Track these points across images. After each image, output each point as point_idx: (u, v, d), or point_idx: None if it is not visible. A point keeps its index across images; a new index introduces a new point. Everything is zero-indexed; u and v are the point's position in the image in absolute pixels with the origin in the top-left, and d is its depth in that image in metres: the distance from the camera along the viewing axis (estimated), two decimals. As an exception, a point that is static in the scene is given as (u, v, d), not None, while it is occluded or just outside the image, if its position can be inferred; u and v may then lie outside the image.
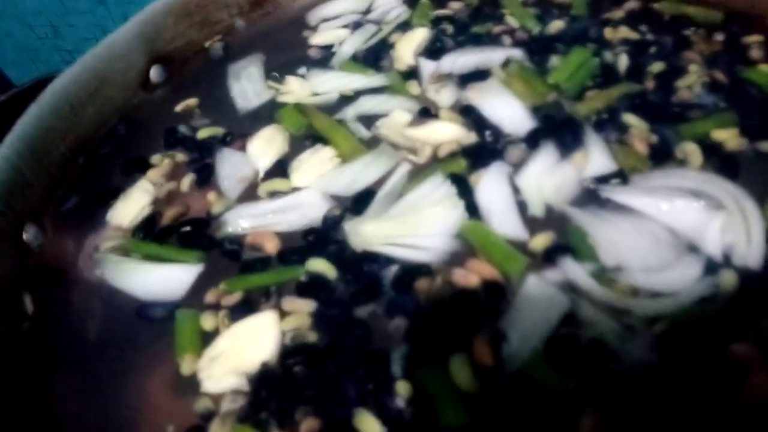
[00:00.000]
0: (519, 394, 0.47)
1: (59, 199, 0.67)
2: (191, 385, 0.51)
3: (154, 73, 0.79)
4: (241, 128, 0.72)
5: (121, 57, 0.74)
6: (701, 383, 0.46)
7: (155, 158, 0.69)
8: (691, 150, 0.60)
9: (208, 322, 0.54)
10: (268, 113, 0.73)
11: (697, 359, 0.47)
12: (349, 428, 0.46)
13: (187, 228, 0.62)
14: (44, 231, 0.64)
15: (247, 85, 0.77)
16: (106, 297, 0.59)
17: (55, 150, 0.67)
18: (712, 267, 0.52)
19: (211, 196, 0.65)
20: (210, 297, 0.56)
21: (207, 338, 0.53)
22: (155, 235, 0.62)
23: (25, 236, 0.61)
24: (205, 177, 0.66)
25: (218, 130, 0.71)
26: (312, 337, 0.52)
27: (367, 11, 0.86)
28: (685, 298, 0.50)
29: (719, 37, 0.73)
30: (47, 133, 0.66)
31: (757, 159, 0.60)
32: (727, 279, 0.51)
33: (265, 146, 0.69)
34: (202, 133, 0.71)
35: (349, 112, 0.71)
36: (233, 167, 0.67)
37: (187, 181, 0.65)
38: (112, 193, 0.66)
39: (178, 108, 0.75)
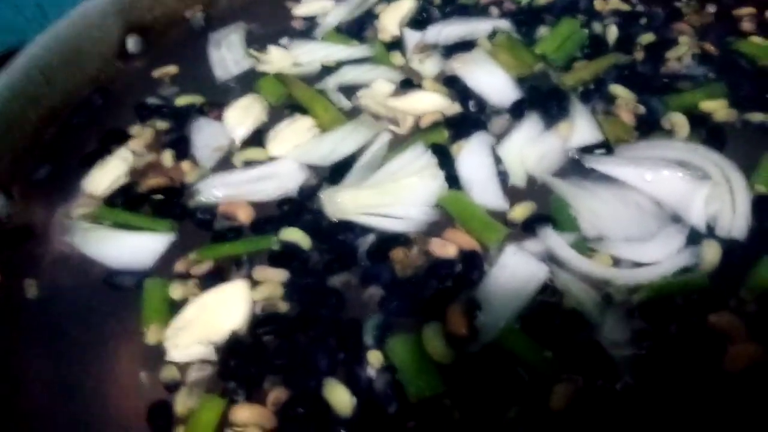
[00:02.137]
0: (494, 363, 0.45)
1: (30, 169, 0.65)
2: (160, 354, 0.49)
3: (132, 43, 0.76)
4: (218, 98, 0.70)
5: (95, 25, 0.72)
6: (680, 353, 0.45)
7: (135, 129, 0.67)
8: (678, 120, 0.58)
9: (176, 291, 0.52)
10: (247, 83, 0.71)
11: (677, 329, 0.46)
12: (318, 398, 0.45)
13: (159, 196, 0.60)
14: (12, 200, 0.62)
15: (227, 54, 0.75)
16: (75, 265, 0.57)
17: (25, 119, 0.65)
18: (695, 237, 0.51)
19: (185, 165, 0.63)
20: (180, 266, 0.54)
21: (176, 308, 0.52)
22: (127, 203, 0.60)
23: (-9, 204, 0.60)
24: (181, 147, 0.64)
25: (196, 99, 0.69)
26: (283, 306, 0.50)
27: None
28: (666, 269, 0.49)
29: (711, 9, 0.71)
30: (18, 100, 0.64)
31: (745, 130, 0.58)
32: (710, 249, 0.49)
33: (242, 115, 0.67)
34: (180, 101, 0.69)
35: (331, 82, 0.69)
36: (209, 136, 0.66)
37: (167, 152, 0.64)
38: (86, 163, 0.64)
39: (156, 74, 0.73)
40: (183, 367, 0.48)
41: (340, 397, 0.45)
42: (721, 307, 0.46)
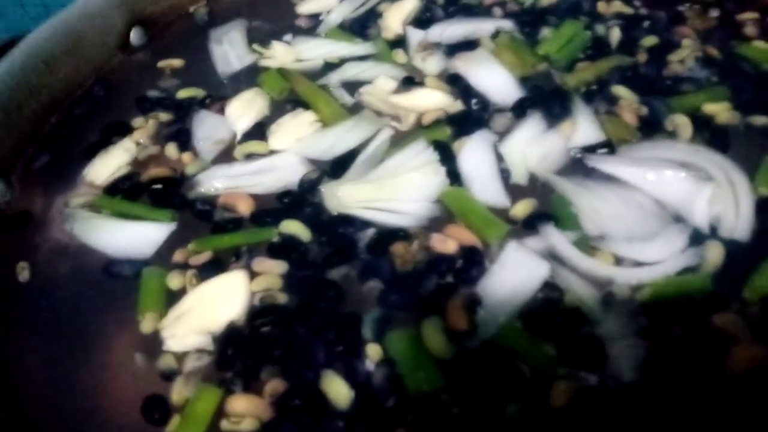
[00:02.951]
0: (493, 359, 0.45)
1: (30, 157, 0.64)
2: (156, 344, 0.49)
3: (135, 36, 0.76)
4: (220, 91, 0.70)
5: (98, 16, 0.72)
6: (683, 353, 0.44)
7: (138, 121, 0.66)
8: (681, 122, 0.58)
9: (174, 281, 0.52)
10: (249, 77, 0.71)
11: (679, 329, 0.45)
12: (315, 390, 0.44)
13: (158, 186, 0.60)
14: (12, 187, 0.61)
15: (229, 50, 0.75)
16: (73, 254, 0.57)
17: (26, 107, 0.65)
18: (697, 238, 0.50)
19: (186, 157, 0.63)
20: (178, 256, 0.54)
21: (174, 298, 0.51)
22: (127, 193, 0.59)
23: (-10, 191, 0.59)
24: (182, 139, 0.64)
25: (198, 92, 0.69)
26: (282, 298, 0.50)
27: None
28: (668, 268, 0.49)
29: (714, 13, 0.71)
30: (19, 88, 0.64)
31: (748, 132, 0.58)
32: (713, 250, 0.49)
33: (244, 109, 0.67)
34: (182, 94, 0.69)
35: (333, 78, 0.69)
36: (210, 129, 0.65)
37: (169, 144, 0.63)
38: (88, 153, 0.63)
39: (161, 64, 0.73)
40: (180, 357, 0.47)
41: (337, 389, 0.44)
42: (724, 308, 0.46)
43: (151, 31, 0.78)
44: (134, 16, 0.76)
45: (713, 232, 0.51)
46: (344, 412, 0.44)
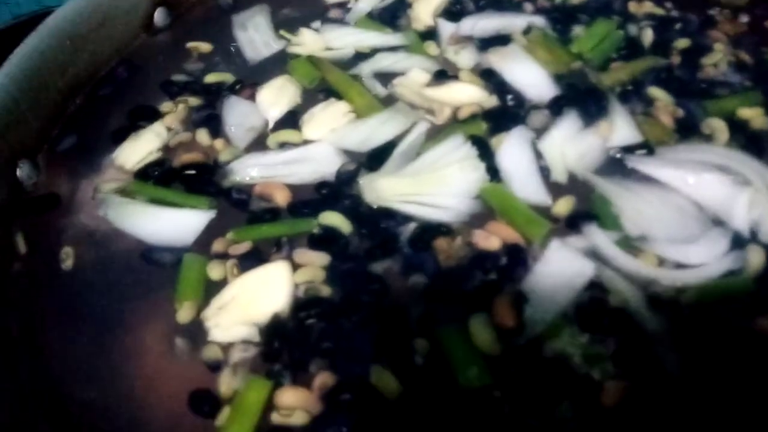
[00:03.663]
0: (542, 357, 0.45)
1: (55, 138, 0.63)
2: (198, 334, 0.48)
3: (159, 16, 0.75)
4: (249, 77, 0.68)
5: (125, -6, 0.70)
6: (727, 355, 0.45)
7: (167, 105, 0.65)
8: (717, 126, 0.59)
9: (215, 271, 0.51)
10: (278, 64, 0.70)
11: (725, 331, 0.46)
12: (365, 384, 0.44)
13: (192, 171, 0.59)
14: (38, 170, 0.60)
15: (255, 35, 0.74)
16: (103, 240, 0.56)
17: (52, 86, 0.63)
18: (738, 241, 0.51)
19: (218, 143, 0.62)
20: (217, 246, 0.53)
21: (213, 288, 0.51)
22: (159, 179, 0.58)
23: (18, 173, 0.58)
24: (213, 125, 0.63)
25: (226, 76, 0.68)
26: (325, 290, 0.50)
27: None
28: (712, 271, 0.49)
29: (744, 18, 0.72)
30: (45, 66, 0.62)
31: (780, 138, 0.59)
32: (755, 254, 0.50)
33: (276, 96, 0.66)
34: (210, 78, 0.68)
35: (365, 69, 0.68)
36: (242, 116, 0.64)
37: (201, 129, 0.62)
38: (116, 137, 0.62)
39: (189, 45, 0.71)
40: (225, 348, 0.47)
41: (387, 383, 0.44)
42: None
43: (175, 12, 0.76)
44: (159, -4, 0.74)
45: (754, 237, 0.52)
46: (394, 406, 0.43)
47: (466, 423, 0.43)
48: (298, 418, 0.43)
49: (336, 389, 0.44)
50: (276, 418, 0.43)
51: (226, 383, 0.45)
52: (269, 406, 0.44)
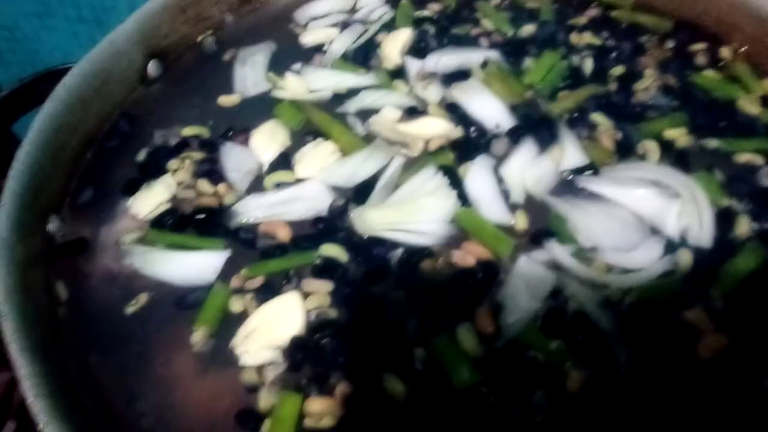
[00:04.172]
0: (518, 356, 0.55)
1: (74, 192, 0.70)
2: (226, 361, 0.57)
3: (152, 68, 0.82)
4: (237, 120, 0.76)
5: (123, 53, 0.77)
6: (663, 344, 0.56)
7: (173, 162, 0.72)
8: (650, 146, 0.69)
9: (236, 304, 0.60)
10: (263, 106, 0.77)
11: (660, 324, 0.56)
12: (378, 389, 0.53)
13: (202, 216, 0.67)
14: (64, 222, 0.67)
15: (250, 73, 0.81)
16: (128, 284, 0.63)
17: (67, 145, 0.70)
18: (671, 246, 0.62)
19: (222, 188, 0.69)
20: (234, 282, 0.61)
21: (234, 321, 0.59)
22: (174, 225, 0.66)
23: (49, 227, 0.65)
24: (215, 172, 0.71)
25: (202, 130, 0.75)
26: (333, 313, 0.58)
27: (353, 10, 0.92)
28: (650, 274, 0.60)
29: (670, 44, 0.82)
30: (61, 129, 0.69)
31: (702, 153, 0.69)
32: (684, 257, 0.61)
33: (268, 140, 0.74)
34: (186, 131, 0.75)
35: (345, 108, 0.77)
36: (239, 161, 0.72)
37: (205, 177, 0.70)
38: (130, 190, 0.70)
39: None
40: (259, 370, 0.55)
41: (395, 387, 0.53)
42: (694, 304, 0.57)
43: (166, 61, 0.84)
44: (151, 50, 0.81)
45: (683, 241, 0.62)
46: (402, 405, 0.53)
47: (461, 416, 0.52)
48: (327, 422, 0.52)
49: (353, 395, 0.53)
50: (308, 422, 0.52)
51: (264, 400, 0.53)
52: (302, 414, 0.53)
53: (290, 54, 0.86)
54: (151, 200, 0.68)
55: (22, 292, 0.56)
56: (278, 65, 0.83)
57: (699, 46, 0.81)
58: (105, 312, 0.61)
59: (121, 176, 0.72)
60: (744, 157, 0.69)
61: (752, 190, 0.66)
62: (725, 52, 0.80)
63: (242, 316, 0.59)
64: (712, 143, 0.70)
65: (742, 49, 0.80)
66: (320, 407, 0.52)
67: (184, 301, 0.60)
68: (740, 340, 0.56)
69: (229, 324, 0.59)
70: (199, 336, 0.58)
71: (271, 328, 0.57)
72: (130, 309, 0.60)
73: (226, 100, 0.79)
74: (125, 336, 0.59)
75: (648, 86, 0.76)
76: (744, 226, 0.63)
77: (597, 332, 0.56)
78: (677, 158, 0.69)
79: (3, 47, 1.43)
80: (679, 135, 0.71)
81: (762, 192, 0.66)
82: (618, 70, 0.79)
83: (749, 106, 0.74)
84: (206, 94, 0.81)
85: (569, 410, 0.53)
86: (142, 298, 0.61)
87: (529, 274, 0.60)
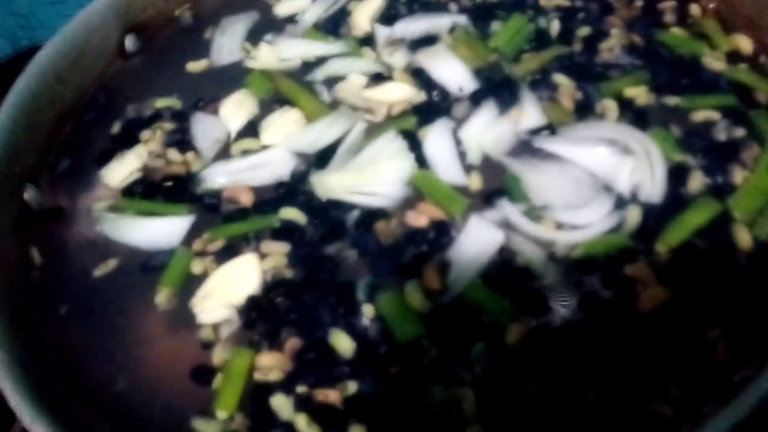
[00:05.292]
0: (461, 311, 0.57)
1: (52, 163, 0.74)
2: (186, 320, 0.60)
3: (129, 42, 0.84)
4: (209, 91, 0.78)
5: (97, 28, 0.80)
6: (605, 299, 0.57)
7: (145, 133, 0.75)
8: (609, 105, 0.70)
9: (196, 266, 0.63)
10: (235, 75, 0.80)
11: (603, 279, 0.58)
12: (325, 344, 0.56)
13: (170, 183, 0.70)
14: (41, 191, 0.71)
15: (227, 42, 0.83)
16: (102, 249, 0.67)
17: (44, 118, 0.73)
18: (621, 203, 0.62)
19: (190, 156, 0.72)
20: (197, 245, 0.64)
21: (195, 282, 0.62)
22: (144, 193, 0.69)
23: (25, 196, 0.69)
24: (185, 141, 0.74)
25: (173, 101, 0.78)
26: (288, 273, 0.61)
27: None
28: (597, 230, 0.61)
29: (639, 3, 0.81)
30: (36, 101, 0.72)
31: (662, 111, 0.69)
32: (633, 212, 0.61)
33: (236, 109, 0.76)
34: (159, 103, 0.78)
35: (313, 76, 0.78)
36: (208, 129, 0.75)
37: (173, 148, 0.73)
38: (103, 160, 0.73)
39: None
40: (215, 327, 0.58)
41: (342, 343, 0.56)
42: (635, 259, 0.58)
43: (143, 36, 0.86)
44: (128, 25, 0.84)
45: (634, 198, 0.63)
46: (349, 360, 0.55)
47: (403, 369, 0.55)
48: (275, 375, 0.55)
49: (302, 350, 0.56)
50: (258, 376, 0.55)
51: (218, 355, 0.56)
52: (252, 368, 0.55)
53: (265, 25, 0.87)
54: (123, 169, 0.72)
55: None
56: (254, 36, 0.85)
57: (668, 4, 0.80)
58: (77, 275, 0.65)
59: (98, 147, 0.75)
60: (702, 114, 0.68)
61: (708, 145, 0.65)
62: (695, 9, 0.79)
63: (203, 278, 0.62)
64: (672, 101, 0.70)
65: (711, 5, 0.79)
66: (270, 361, 0.55)
67: (148, 264, 0.63)
68: (684, 294, 0.57)
69: (192, 285, 0.62)
70: (162, 297, 0.61)
71: (229, 287, 0.60)
72: (98, 272, 0.64)
73: (194, 66, 0.81)
74: (95, 299, 0.63)
75: (613, 46, 0.76)
76: (697, 181, 0.63)
77: (539, 287, 0.58)
78: (636, 116, 0.69)
79: (19, 34, 1.47)
80: (639, 93, 0.71)
81: (717, 146, 0.65)
82: (584, 30, 0.78)
83: (714, 62, 0.73)
84: (182, 68, 0.83)
85: (508, 362, 0.54)
86: (111, 263, 0.65)
87: (479, 232, 0.61)
